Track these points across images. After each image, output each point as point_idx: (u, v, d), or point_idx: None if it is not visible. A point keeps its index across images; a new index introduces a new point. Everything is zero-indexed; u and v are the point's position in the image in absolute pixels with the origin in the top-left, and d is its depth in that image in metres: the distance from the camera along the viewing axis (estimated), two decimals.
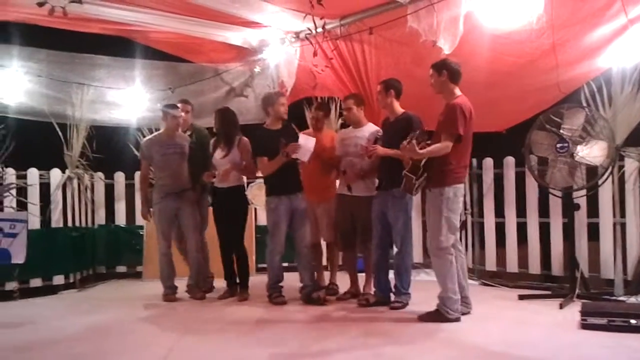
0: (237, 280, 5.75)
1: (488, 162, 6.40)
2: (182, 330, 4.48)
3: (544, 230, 5.97)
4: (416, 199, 6.45)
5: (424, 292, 5.20)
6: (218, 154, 5.62)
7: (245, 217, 5.81)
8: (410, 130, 4.74)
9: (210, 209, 5.91)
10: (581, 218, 5.54)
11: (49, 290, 6.35)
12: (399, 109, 5.08)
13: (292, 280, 5.57)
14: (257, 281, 6.47)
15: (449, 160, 4.38)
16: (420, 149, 4.30)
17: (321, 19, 5.72)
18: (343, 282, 5.73)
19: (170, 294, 5.71)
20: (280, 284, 5.45)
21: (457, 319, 4.42)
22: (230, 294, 5.73)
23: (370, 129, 5.34)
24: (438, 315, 4.44)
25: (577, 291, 5.08)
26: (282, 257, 5.44)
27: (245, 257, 5.76)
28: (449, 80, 4.50)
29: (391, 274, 5.19)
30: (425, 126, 4.85)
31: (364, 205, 5.20)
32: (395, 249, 5.13)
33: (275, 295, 5.40)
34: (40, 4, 4.79)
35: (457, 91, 4.53)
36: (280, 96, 5.53)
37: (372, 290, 5.28)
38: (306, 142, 5.24)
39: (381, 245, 5.14)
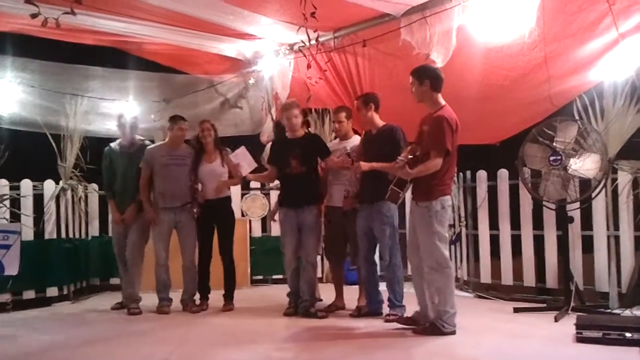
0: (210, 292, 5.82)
1: (482, 174, 6.41)
2: (177, 342, 4.45)
3: (539, 243, 5.96)
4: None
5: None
6: (205, 165, 5.65)
7: (234, 227, 5.84)
8: (394, 141, 4.79)
9: None
10: (575, 231, 5.54)
11: (43, 302, 6.30)
12: (379, 121, 5.09)
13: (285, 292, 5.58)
14: (251, 293, 6.49)
15: (435, 174, 4.33)
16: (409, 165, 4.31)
17: (315, 31, 5.72)
18: (327, 294, 5.77)
19: (164, 306, 5.68)
20: (296, 295, 5.42)
21: (453, 332, 4.40)
22: (206, 305, 5.73)
23: (355, 141, 5.35)
24: (433, 329, 4.41)
25: (572, 304, 5.06)
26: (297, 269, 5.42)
27: (233, 268, 5.78)
28: (431, 89, 4.42)
29: (383, 286, 5.19)
30: (410, 138, 4.84)
31: (353, 219, 5.21)
32: (385, 262, 5.09)
33: (286, 307, 5.46)
34: (34, 16, 4.78)
35: (441, 100, 4.44)
36: (290, 108, 5.41)
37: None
38: (236, 157, 5.48)
39: (369, 259, 5.16)
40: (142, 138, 6.12)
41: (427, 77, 4.42)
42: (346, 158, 5.11)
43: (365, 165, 4.88)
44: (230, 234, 5.77)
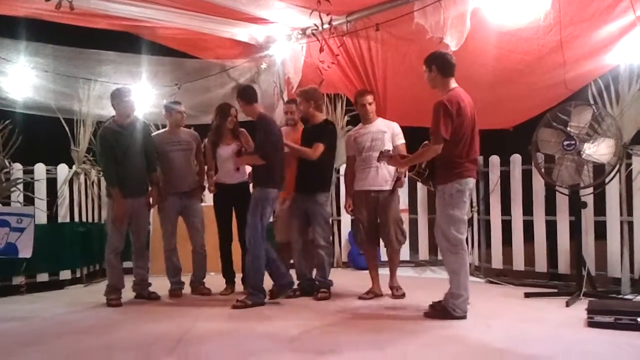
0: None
1: (495, 159, 6.37)
2: (189, 324, 4.49)
3: (551, 228, 5.94)
4: (422, 195, 6.50)
5: (429, 289, 5.19)
6: (224, 148, 5.65)
7: None
8: (263, 130, 5.06)
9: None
10: (588, 216, 5.50)
11: (56, 285, 6.37)
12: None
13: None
14: None
15: (451, 158, 4.33)
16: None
17: (327, 15, 5.71)
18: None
19: (176, 290, 5.73)
20: (306, 280, 5.54)
21: (463, 317, 4.40)
22: (231, 290, 5.75)
23: (380, 124, 5.37)
24: (444, 312, 4.42)
25: (583, 289, 5.04)
26: (303, 253, 5.50)
27: None
28: (439, 74, 4.40)
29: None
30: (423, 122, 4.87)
31: (390, 201, 5.25)
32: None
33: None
34: None
35: (452, 83, 4.41)
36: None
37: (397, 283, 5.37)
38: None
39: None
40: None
41: (434, 63, 4.42)
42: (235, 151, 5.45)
43: (237, 162, 5.30)
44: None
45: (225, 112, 5.67)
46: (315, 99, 5.42)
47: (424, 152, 4.35)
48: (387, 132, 5.28)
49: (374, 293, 5.39)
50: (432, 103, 4.60)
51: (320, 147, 5.23)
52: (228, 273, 5.82)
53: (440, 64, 4.41)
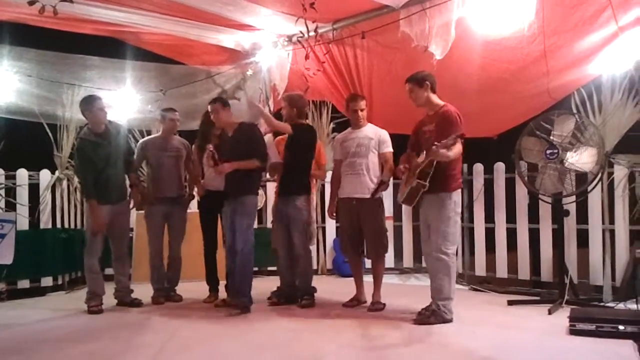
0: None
1: (478, 167, 6.42)
2: (172, 331, 4.46)
3: (534, 236, 5.99)
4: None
5: (413, 296, 5.21)
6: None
7: None
8: (251, 139, 5.12)
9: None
10: (570, 224, 5.55)
11: (37, 291, 6.30)
12: (234, 122, 5.28)
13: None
14: None
15: (452, 166, 4.47)
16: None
17: (313, 22, 5.72)
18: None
19: (159, 297, 5.69)
20: (290, 287, 5.52)
21: (451, 320, 4.51)
22: (215, 298, 5.71)
23: (368, 130, 5.33)
24: (437, 316, 4.48)
25: (566, 297, 5.09)
26: (287, 260, 5.47)
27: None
28: (431, 90, 4.59)
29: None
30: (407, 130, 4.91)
31: (372, 209, 5.20)
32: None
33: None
34: (31, 3, 4.75)
35: (439, 100, 4.61)
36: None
37: (378, 298, 5.21)
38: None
39: (231, 249, 5.18)
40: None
41: (426, 80, 4.60)
42: (209, 157, 5.28)
43: (228, 167, 5.10)
44: None
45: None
46: (299, 106, 5.42)
47: (455, 150, 4.37)
48: (374, 139, 5.24)
49: (357, 300, 5.37)
50: (416, 111, 4.72)
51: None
52: (212, 280, 5.78)
53: (432, 81, 4.60)
